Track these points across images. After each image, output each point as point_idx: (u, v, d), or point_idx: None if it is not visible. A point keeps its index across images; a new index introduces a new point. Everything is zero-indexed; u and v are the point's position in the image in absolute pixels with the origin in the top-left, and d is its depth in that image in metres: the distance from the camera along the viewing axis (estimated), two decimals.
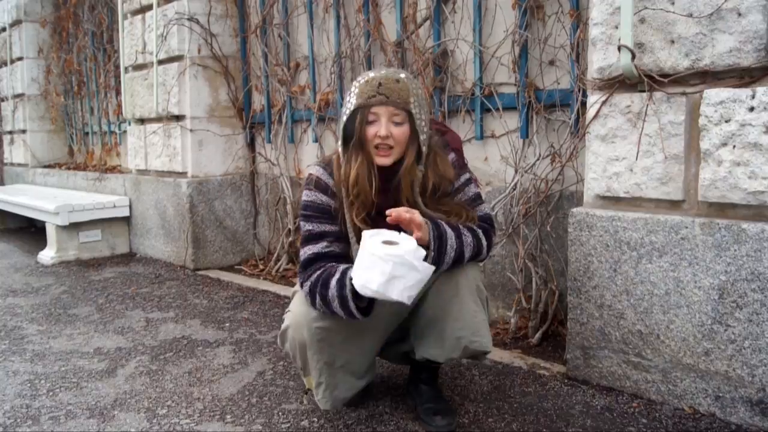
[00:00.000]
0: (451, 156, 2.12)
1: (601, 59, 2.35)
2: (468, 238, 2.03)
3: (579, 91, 2.80)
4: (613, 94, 2.33)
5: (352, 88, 2.00)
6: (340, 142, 2.04)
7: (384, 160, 1.98)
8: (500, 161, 3.21)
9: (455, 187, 2.10)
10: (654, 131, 2.24)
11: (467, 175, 2.15)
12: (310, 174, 2.10)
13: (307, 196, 2.08)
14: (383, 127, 1.94)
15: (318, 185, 2.06)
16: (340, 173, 2.02)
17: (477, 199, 2.15)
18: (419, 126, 1.98)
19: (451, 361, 2.18)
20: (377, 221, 2.02)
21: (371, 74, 1.99)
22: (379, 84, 1.95)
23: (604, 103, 2.36)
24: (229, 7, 4.69)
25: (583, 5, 2.78)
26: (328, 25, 4.09)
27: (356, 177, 1.97)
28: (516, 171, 3.09)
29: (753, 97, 2.02)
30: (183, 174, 4.70)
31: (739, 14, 2.04)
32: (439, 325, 2.06)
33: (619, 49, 2.22)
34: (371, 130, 1.95)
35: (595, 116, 2.38)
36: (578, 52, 2.82)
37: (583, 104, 2.72)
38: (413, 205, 2.00)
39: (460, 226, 2.03)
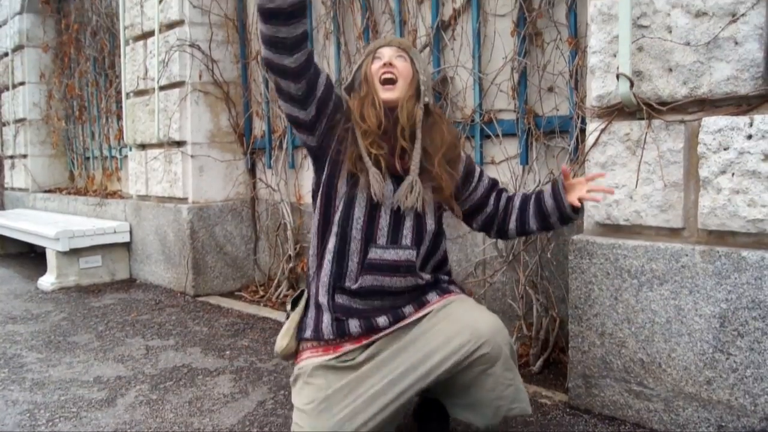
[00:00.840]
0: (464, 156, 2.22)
1: (599, 87, 2.36)
2: None
3: (578, 117, 2.81)
4: (612, 122, 2.34)
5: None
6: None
7: (389, 94, 2.03)
8: None
9: (476, 177, 2.20)
10: (653, 159, 2.25)
11: (479, 168, 2.26)
12: None
13: None
14: (386, 57, 2.06)
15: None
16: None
17: (496, 182, 2.27)
18: (419, 67, 2.09)
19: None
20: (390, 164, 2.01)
21: None
22: (383, 37, 2.21)
23: (603, 130, 2.36)
24: (231, 34, 4.73)
25: (582, 33, 2.80)
26: (328, 52, 4.11)
27: (361, 104, 2.03)
28: None
29: (751, 125, 2.03)
30: (184, 200, 4.71)
31: (736, 43, 2.05)
32: (473, 394, 1.97)
33: (617, 77, 2.23)
34: (376, 64, 2.07)
35: (595, 144, 2.39)
36: (577, 79, 2.83)
37: (582, 131, 2.73)
38: (411, 137, 2.03)
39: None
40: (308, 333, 2.05)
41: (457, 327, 1.93)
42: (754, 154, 2.03)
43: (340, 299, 2.00)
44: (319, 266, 2.05)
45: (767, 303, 2.00)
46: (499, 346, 1.89)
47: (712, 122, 2.10)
